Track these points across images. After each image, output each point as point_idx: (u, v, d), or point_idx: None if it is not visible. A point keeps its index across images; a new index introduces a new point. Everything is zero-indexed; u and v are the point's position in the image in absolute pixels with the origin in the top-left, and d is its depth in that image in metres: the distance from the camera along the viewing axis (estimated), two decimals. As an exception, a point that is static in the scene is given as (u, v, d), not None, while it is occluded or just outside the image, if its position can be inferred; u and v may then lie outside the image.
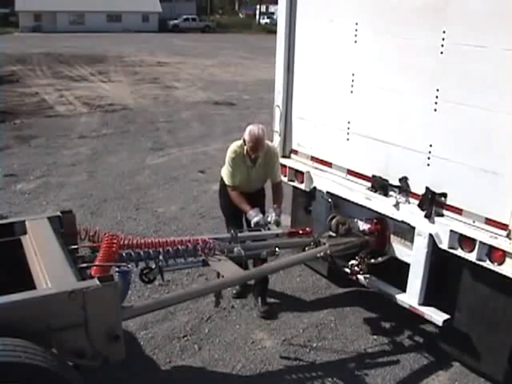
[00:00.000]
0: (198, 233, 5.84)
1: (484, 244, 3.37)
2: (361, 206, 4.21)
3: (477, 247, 3.41)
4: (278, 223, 4.25)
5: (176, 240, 3.61)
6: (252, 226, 4.21)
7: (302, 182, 4.70)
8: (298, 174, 4.75)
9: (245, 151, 4.26)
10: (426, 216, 3.73)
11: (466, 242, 3.49)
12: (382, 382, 3.79)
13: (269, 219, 4.20)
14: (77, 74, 19.66)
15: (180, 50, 30.32)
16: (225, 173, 4.42)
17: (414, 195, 3.87)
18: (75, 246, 3.45)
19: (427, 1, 3.57)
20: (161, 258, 3.47)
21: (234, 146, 4.36)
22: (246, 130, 4.22)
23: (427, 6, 3.56)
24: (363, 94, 4.15)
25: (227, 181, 4.38)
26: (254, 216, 4.19)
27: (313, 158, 4.71)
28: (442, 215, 3.69)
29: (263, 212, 4.30)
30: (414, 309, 3.94)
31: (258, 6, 64.59)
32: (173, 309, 4.48)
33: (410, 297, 3.96)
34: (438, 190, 3.68)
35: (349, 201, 4.30)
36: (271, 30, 43.20)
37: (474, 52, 3.31)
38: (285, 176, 4.86)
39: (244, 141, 4.23)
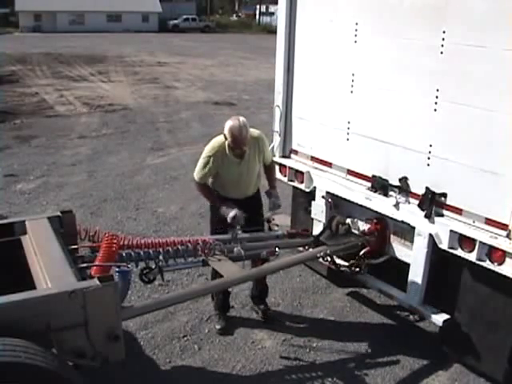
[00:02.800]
0: (197, 233, 5.83)
1: (484, 244, 3.37)
2: (361, 206, 4.21)
3: (477, 247, 3.40)
4: (277, 206, 4.11)
5: (176, 240, 3.61)
6: (229, 221, 3.87)
7: (301, 182, 4.70)
8: (297, 174, 4.74)
9: (227, 148, 3.90)
10: (426, 216, 3.73)
11: (466, 241, 3.48)
12: (382, 381, 3.79)
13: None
14: (77, 74, 19.66)
15: (180, 50, 30.32)
16: (196, 167, 4.05)
17: (414, 195, 3.87)
18: (75, 246, 3.45)
19: (427, 1, 3.57)
20: (161, 258, 3.48)
21: (215, 142, 3.99)
22: (226, 126, 3.82)
23: (427, 6, 3.56)
24: (363, 93, 4.15)
25: (196, 175, 4.05)
26: (230, 211, 3.86)
27: (313, 158, 4.71)
28: (442, 215, 3.69)
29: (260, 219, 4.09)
30: (413, 309, 3.94)
31: (258, 6, 64.71)
32: (173, 309, 4.48)
33: (410, 297, 3.96)
34: (437, 190, 3.68)
35: (349, 201, 4.30)
36: (271, 30, 43.44)
37: (474, 52, 3.31)
38: (285, 176, 4.86)
39: (225, 137, 3.87)
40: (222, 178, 4.09)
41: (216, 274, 3.93)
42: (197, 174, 4.10)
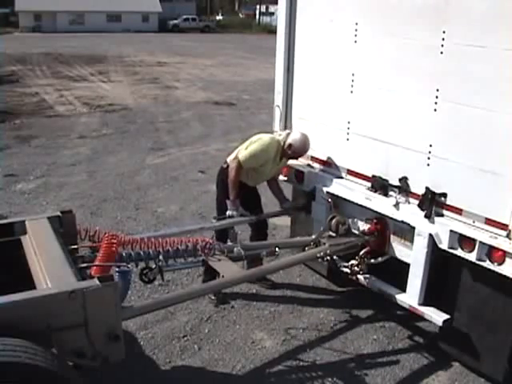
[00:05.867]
0: (198, 233, 5.83)
1: (484, 244, 3.37)
2: (361, 206, 4.21)
3: (477, 247, 3.40)
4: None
5: (176, 240, 3.61)
6: (229, 215, 4.35)
7: (302, 182, 4.70)
8: (297, 174, 4.74)
9: (280, 151, 4.44)
10: (425, 216, 3.73)
11: (465, 242, 3.48)
12: (382, 381, 3.79)
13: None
14: (77, 74, 19.67)
15: (180, 50, 30.33)
16: (247, 153, 4.35)
17: (414, 195, 3.87)
18: (75, 246, 3.44)
19: (427, 1, 3.57)
20: (161, 258, 3.48)
21: (273, 141, 4.43)
22: (297, 137, 4.41)
23: (427, 6, 3.56)
24: (363, 93, 4.15)
25: (244, 158, 4.33)
26: (235, 209, 4.35)
27: (313, 158, 4.71)
28: (442, 215, 3.69)
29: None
30: (413, 309, 3.94)
31: (258, 6, 64.76)
32: (173, 309, 4.48)
33: (410, 297, 3.96)
34: (437, 190, 3.68)
35: (349, 201, 4.30)
36: (271, 30, 43.54)
37: (474, 52, 3.31)
38: (285, 176, 4.86)
39: (288, 143, 4.40)
40: (256, 169, 4.47)
41: (208, 273, 4.38)
42: (245, 157, 4.35)
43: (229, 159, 4.52)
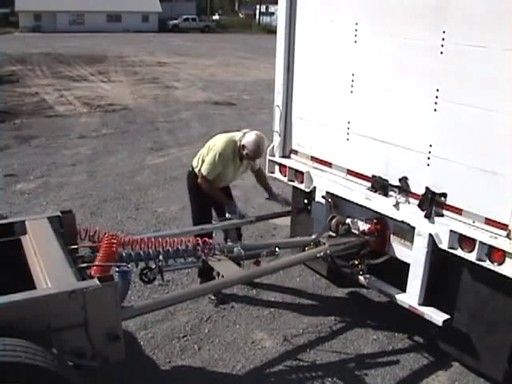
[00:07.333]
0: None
1: (484, 244, 3.37)
2: (361, 206, 4.21)
3: (477, 247, 3.40)
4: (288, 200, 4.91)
5: (176, 240, 3.61)
6: (234, 217, 4.44)
7: (301, 182, 4.69)
8: (297, 174, 4.74)
9: (237, 151, 4.41)
10: (425, 216, 3.73)
11: (465, 242, 3.48)
12: (382, 381, 3.79)
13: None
14: (77, 74, 19.67)
15: (180, 50, 30.33)
16: (207, 165, 4.35)
17: (414, 195, 3.87)
18: (75, 246, 3.45)
19: (427, 1, 3.57)
20: (161, 258, 3.48)
21: (229, 142, 4.41)
22: (248, 138, 4.34)
23: (427, 6, 3.56)
24: (363, 94, 4.15)
25: (206, 171, 4.34)
26: (236, 209, 4.48)
27: (313, 158, 4.71)
28: (442, 215, 3.69)
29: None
30: (413, 309, 3.94)
31: (258, 6, 64.78)
32: (173, 309, 4.48)
33: (410, 297, 3.96)
34: (437, 190, 3.68)
35: (349, 201, 4.30)
36: (271, 30, 43.54)
37: (474, 52, 3.31)
38: (285, 176, 4.86)
39: (241, 144, 4.36)
40: (220, 174, 4.44)
41: (203, 275, 4.61)
42: (206, 170, 4.36)
43: (194, 162, 4.58)
